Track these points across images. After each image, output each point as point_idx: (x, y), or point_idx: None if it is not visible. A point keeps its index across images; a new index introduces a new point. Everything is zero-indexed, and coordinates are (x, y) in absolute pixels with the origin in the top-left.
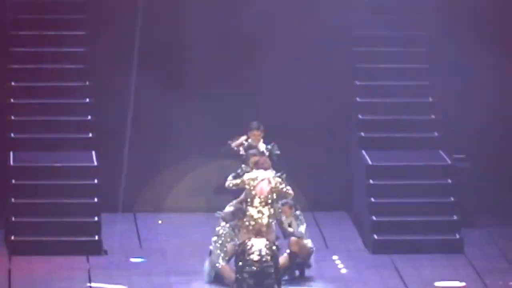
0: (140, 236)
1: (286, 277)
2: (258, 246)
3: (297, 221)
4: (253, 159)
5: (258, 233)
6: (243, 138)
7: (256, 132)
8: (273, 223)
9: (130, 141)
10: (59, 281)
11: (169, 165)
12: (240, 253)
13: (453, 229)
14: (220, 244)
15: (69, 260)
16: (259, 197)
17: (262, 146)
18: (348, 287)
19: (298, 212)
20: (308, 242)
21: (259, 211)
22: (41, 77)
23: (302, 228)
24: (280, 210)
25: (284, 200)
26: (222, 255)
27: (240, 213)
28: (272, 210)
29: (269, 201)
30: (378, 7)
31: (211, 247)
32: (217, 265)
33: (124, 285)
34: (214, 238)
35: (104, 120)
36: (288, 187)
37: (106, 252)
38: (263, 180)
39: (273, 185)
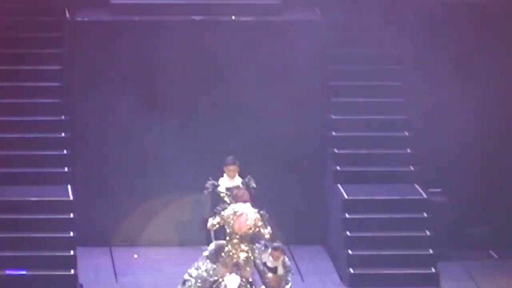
0: (116, 270)
1: None
2: (231, 285)
3: (284, 268)
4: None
5: (234, 269)
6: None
7: (231, 167)
8: (251, 260)
9: (106, 176)
10: None
11: (144, 199)
12: None
13: (428, 263)
14: (198, 277)
15: None
16: (237, 233)
17: (238, 180)
18: None
19: (286, 259)
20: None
21: (237, 248)
22: (17, 111)
23: (290, 277)
24: (269, 253)
25: (276, 244)
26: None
27: (222, 251)
28: (250, 246)
29: (247, 237)
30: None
31: (186, 277)
32: None
33: None
34: (191, 270)
35: (79, 154)
36: (267, 229)
37: (81, 286)
38: (241, 215)
39: (251, 222)
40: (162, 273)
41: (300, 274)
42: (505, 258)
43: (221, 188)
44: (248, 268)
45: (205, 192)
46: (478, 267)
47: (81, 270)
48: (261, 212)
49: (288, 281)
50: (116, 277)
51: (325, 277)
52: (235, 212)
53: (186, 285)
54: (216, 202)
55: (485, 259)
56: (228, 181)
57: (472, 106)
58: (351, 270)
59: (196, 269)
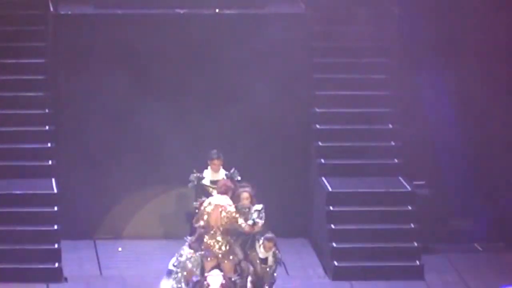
0: (100, 263)
1: None
2: (214, 284)
3: (274, 259)
4: (244, 195)
5: (216, 260)
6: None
7: (215, 161)
8: (235, 249)
9: (90, 169)
10: None
11: (128, 192)
12: None
13: (413, 255)
14: (181, 267)
15: None
16: (213, 226)
17: (222, 174)
18: None
19: (277, 251)
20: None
21: (214, 240)
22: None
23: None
24: (261, 244)
25: (269, 235)
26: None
27: (203, 239)
28: (228, 239)
29: (225, 229)
30: (337, 36)
31: (171, 267)
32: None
33: None
34: (174, 260)
35: (63, 147)
36: (246, 223)
37: (66, 280)
38: (217, 208)
39: (226, 214)
40: (147, 266)
41: (285, 267)
42: (490, 250)
43: (206, 181)
44: (226, 261)
45: (190, 185)
46: (463, 259)
47: (66, 263)
48: (260, 209)
49: (274, 271)
50: (100, 270)
51: (309, 270)
52: (211, 205)
53: (172, 277)
54: (200, 195)
55: (469, 251)
56: (212, 174)
57: (456, 99)
58: (336, 263)
59: (179, 258)
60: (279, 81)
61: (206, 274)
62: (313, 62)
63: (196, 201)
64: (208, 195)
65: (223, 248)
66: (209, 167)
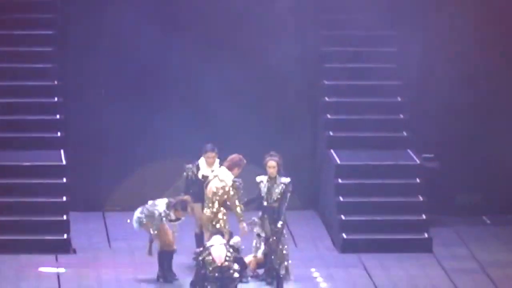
0: (109, 235)
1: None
2: (216, 253)
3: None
4: (270, 163)
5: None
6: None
7: (210, 154)
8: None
9: (99, 141)
10: (27, 280)
11: (137, 164)
12: (201, 265)
13: (421, 228)
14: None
15: (37, 259)
16: (207, 195)
17: (216, 167)
18: (316, 286)
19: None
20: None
21: (206, 208)
22: (9, 76)
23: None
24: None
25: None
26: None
27: (180, 206)
28: (217, 208)
29: (215, 200)
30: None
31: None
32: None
33: (93, 283)
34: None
35: (72, 118)
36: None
37: (75, 251)
38: (214, 179)
39: (220, 185)
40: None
41: (293, 239)
42: (498, 223)
43: (199, 174)
44: (210, 228)
45: (184, 174)
46: (471, 232)
47: (74, 235)
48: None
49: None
50: (109, 241)
51: (318, 242)
52: (210, 175)
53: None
54: (189, 187)
55: (477, 224)
56: (205, 169)
57: (466, 72)
58: (344, 236)
59: (152, 205)
60: (288, 53)
61: (208, 245)
62: (321, 34)
63: (184, 192)
64: (200, 187)
65: (207, 216)
66: (203, 160)
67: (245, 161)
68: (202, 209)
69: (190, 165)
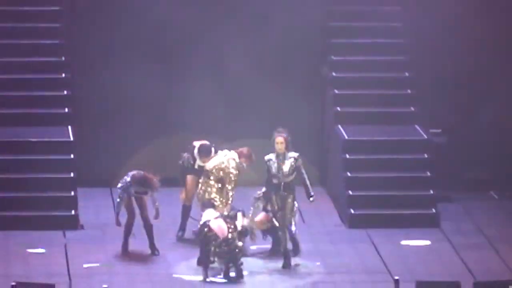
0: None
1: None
2: (217, 225)
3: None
4: (278, 139)
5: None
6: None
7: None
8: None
9: (106, 117)
10: (35, 256)
11: (145, 140)
12: (206, 239)
13: (429, 203)
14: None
15: (45, 235)
16: (207, 170)
17: (212, 160)
18: (324, 261)
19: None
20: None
21: (206, 184)
22: (16, 53)
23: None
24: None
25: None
26: None
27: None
28: (216, 185)
29: (212, 176)
30: None
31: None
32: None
33: (100, 259)
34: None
35: (80, 95)
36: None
37: (82, 227)
38: (219, 157)
39: (226, 163)
40: (162, 213)
41: (301, 215)
42: (506, 198)
43: (195, 165)
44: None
45: (180, 162)
46: (479, 207)
47: (82, 211)
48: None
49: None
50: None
51: (325, 218)
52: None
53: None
54: (184, 177)
55: (485, 199)
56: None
57: (475, 46)
58: (352, 211)
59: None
60: (294, 29)
61: (204, 221)
62: (328, 10)
63: (180, 180)
64: (196, 177)
65: (213, 196)
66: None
67: (254, 157)
68: (196, 183)
69: (186, 154)
